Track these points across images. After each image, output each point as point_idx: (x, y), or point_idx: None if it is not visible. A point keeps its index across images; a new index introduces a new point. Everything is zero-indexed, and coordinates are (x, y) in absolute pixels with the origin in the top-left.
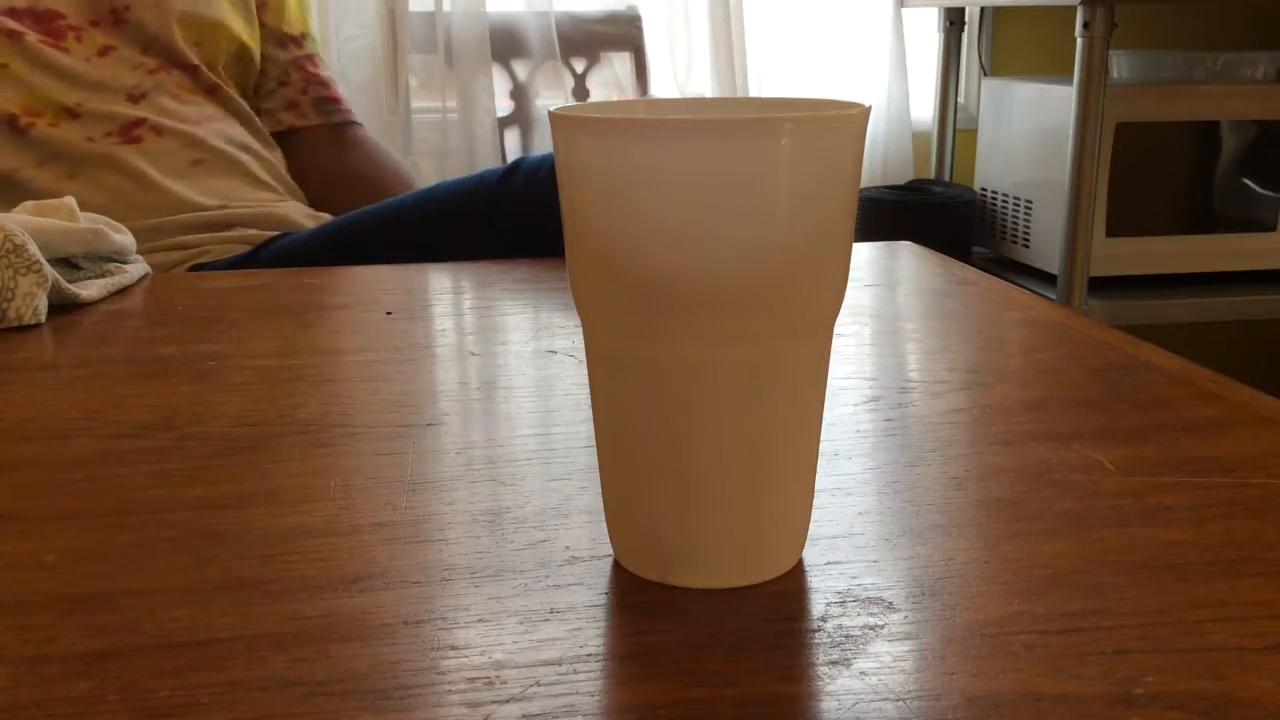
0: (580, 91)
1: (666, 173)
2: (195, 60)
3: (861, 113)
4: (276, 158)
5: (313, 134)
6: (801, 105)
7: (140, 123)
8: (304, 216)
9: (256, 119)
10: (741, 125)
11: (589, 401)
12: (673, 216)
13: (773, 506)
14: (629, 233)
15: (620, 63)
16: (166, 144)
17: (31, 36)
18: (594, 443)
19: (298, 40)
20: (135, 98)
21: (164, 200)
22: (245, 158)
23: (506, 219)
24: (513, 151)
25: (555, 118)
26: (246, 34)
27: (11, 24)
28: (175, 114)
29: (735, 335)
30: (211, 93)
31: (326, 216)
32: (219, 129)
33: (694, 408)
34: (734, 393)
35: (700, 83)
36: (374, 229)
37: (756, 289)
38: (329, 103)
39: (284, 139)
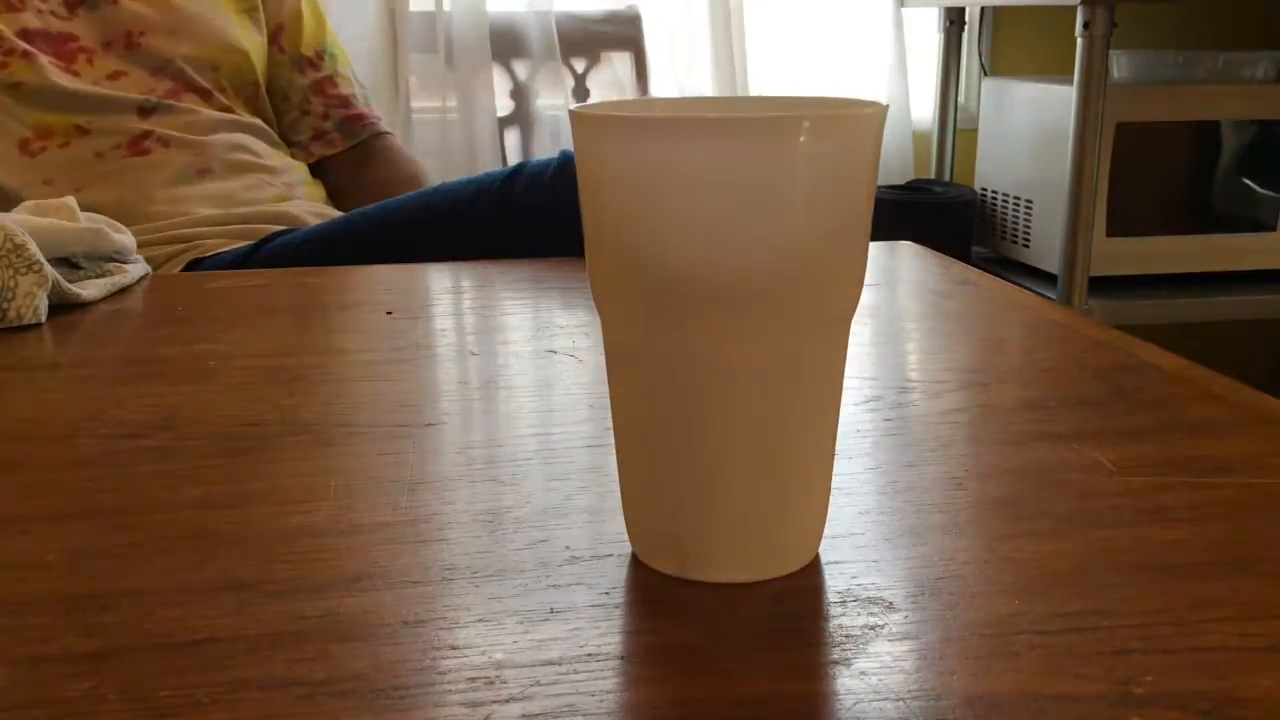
0: (580, 91)
1: (687, 170)
2: (208, 84)
3: (878, 111)
4: (287, 163)
5: (341, 158)
6: (818, 104)
7: (148, 135)
8: (309, 214)
9: (269, 129)
10: (762, 123)
11: (589, 401)
12: (693, 213)
13: (792, 500)
14: (650, 229)
15: (620, 63)
16: (173, 155)
17: (44, 58)
18: (594, 442)
19: (314, 62)
20: (145, 111)
21: (168, 209)
22: (252, 163)
23: (509, 224)
24: (512, 151)
25: (577, 116)
26: (260, 61)
27: (25, 45)
28: (183, 125)
29: (754, 331)
30: (224, 112)
31: (331, 211)
32: (226, 138)
33: (713, 402)
34: (753, 387)
35: (700, 83)
36: (374, 230)
37: (775, 285)
38: (352, 122)
39: (316, 169)
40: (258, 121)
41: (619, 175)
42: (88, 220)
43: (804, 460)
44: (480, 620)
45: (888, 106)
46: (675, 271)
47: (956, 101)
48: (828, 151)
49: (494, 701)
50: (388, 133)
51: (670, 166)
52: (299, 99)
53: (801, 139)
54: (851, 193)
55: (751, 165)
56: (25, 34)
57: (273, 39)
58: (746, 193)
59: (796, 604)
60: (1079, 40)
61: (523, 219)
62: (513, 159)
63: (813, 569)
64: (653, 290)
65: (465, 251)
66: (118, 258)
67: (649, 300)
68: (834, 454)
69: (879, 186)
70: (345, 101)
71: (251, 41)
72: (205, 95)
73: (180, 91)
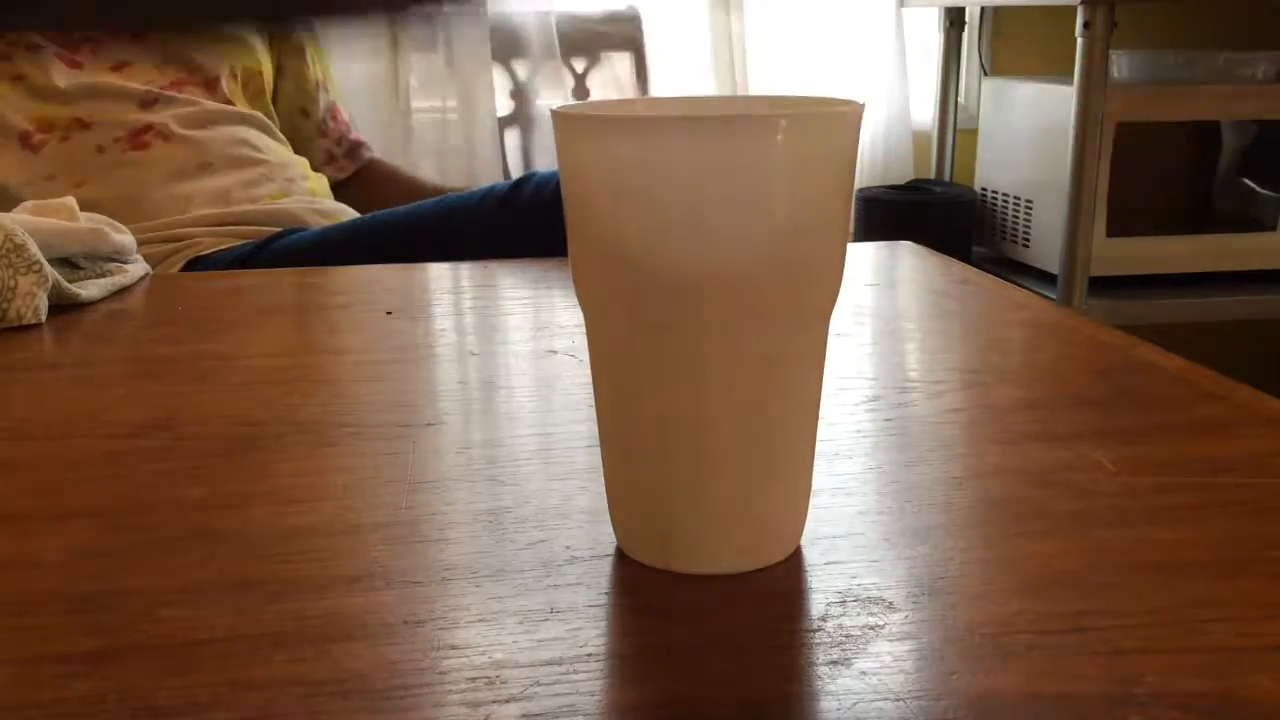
0: (580, 91)
1: (665, 168)
2: (217, 73)
3: (855, 110)
4: (288, 157)
5: (349, 184)
6: (797, 103)
7: (148, 128)
8: (308, 210)
9: (270, 122)
10: (738, 122)
11: (589, 401)
12: (670, 211)
13: (772, 493)
14: (628, 226)
15: (620, 63)
16: (173, 149)
17: (49, 50)
18: (594, 442)
19: (324, 85)
20: (147, 103)
21: (168, 205)
22: (252, 157)
23: (512, 229)
24: (513, 151)
25: (557, 116)
26: (266, 62)
27: (31, 37)
28: (184, 118)
29: (733, 327)
30: (227, 104)
31: (332, 207)
32: (227, 131)
33: (693, 398)
34: (732, 383)
35: (700, 82)
36: (381, 235)
37: (753, 282)
38: (356, 148)
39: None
40: (258, 114)
41: (599, 174)
42: (88, 220)
43: (784, 455)
44: (480, 620)
45: (864, 105)
46: (654, 269)
47: (956, 101)
48: (805, 150)
49: (494, 701)
50: (373, 155)
51: (649, 165)
52: (319, 121)
53: (778, 138)
54: (829, 191)
55: (727, 164)
56: None
57: (299, 54)
58: (724, 191)
59: (798, 604)
60: (1079, 40)
61: (525, 226)
62: (513, 159)
63: (813, 570)
64: (633, 287)
65: (469, 258)
66: (118, 258)
67: (629, 297)
68: (814, 448)
69: (879, 187)
70: (348, 125)
71: (255, 38)
72: (211, 86)
73: (184, 83)
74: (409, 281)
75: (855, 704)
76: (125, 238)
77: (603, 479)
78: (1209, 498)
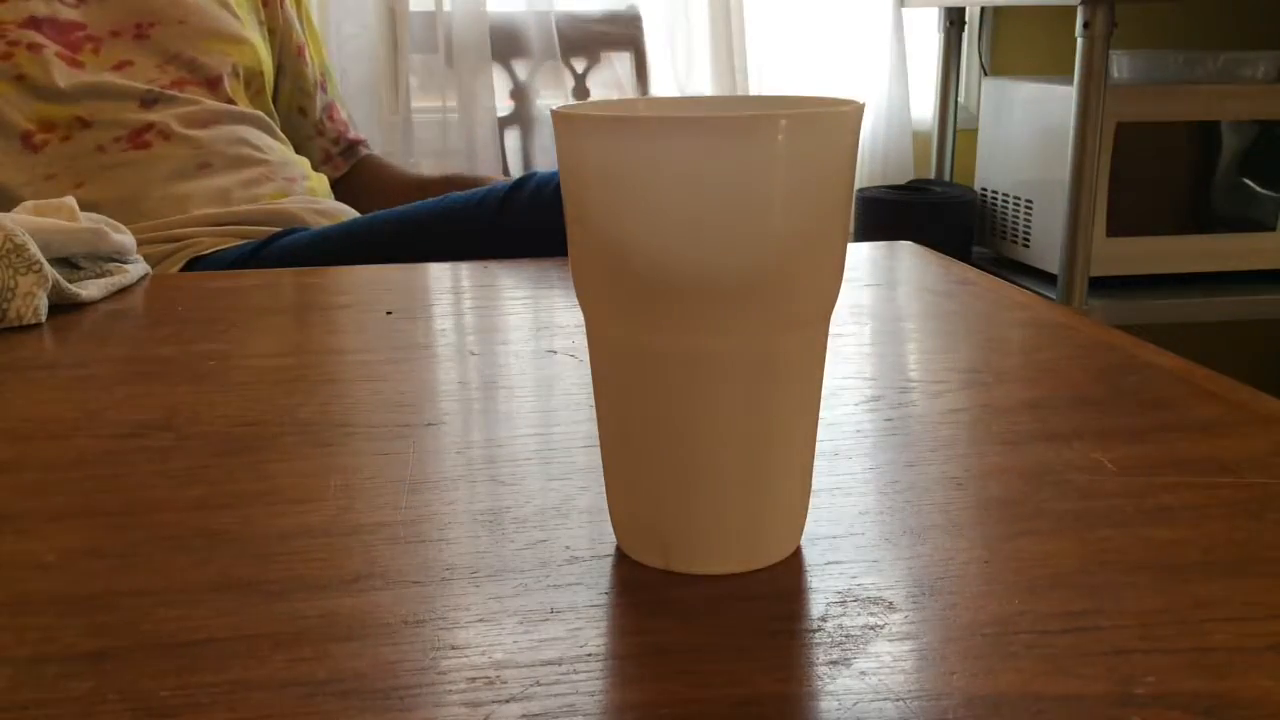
0: (580, 91)
1: (664, 168)
2: (219, 73)
3: (855, 109)
4: (288, 157)
5: (342, 180)
6: (797, 103)
7: (149, 127)
8: (308, 210)
9: (270, 121)
10: (738, 122)
11: (589, 401)
12: (671, 211)
13: (772, 493)
14: (628, 227)
15: (620, 63)
16: (174, 149)
17: (50, 50)
18: (594, 442)
19: (322, 85)
20: (147, 102)
21: (168, 205)
22: (253, 157)
23: (512, 229)
24: (512, 151)
25: (557, 116)
26: (267, 61)
27: (33, 36)
28: (185, 118)
29: (733, 327)
30: (229, 103)
31: (332, 207)
32: (228, 131)
33: (694, 397)
34: (733, 382)
35: (700, 82)
36: (381, 235)
37: (753, 282)
38: (352, 146)
39: None
40: (259, 113)
41: (599, 174)
42: (88, 220)
43: (783, 455)
44: (480, 620)
45: (864, 105)
46: (654, 269)
47: (956, 101)
48: (804, 150)
49: (494, 701)
50: (370, 152)
51: (649, 165)
52: (315, 120)
53: (778, 138)
54: (829, 191)
55: (727, 164)
56: (33, 22)
57: (298, 53)
58: (724, 191)
59: (798, 604)
60: (1079, 40)
61: (523, 226)
62: (513, 159)
63: (813, 570)
64: (632, 287)
65: (468, 258)
66: (118, 258)
67: (629, 297)
68: (814, 448)
69: (879, 187)
70: (346, 125)
71: (256, 37)
72: (213, 85)
73: (186, 82)
74: (409, 281)
75: (855, 704)
76: (125, 238)
77: (603, 479)
78: (1209, 498)
